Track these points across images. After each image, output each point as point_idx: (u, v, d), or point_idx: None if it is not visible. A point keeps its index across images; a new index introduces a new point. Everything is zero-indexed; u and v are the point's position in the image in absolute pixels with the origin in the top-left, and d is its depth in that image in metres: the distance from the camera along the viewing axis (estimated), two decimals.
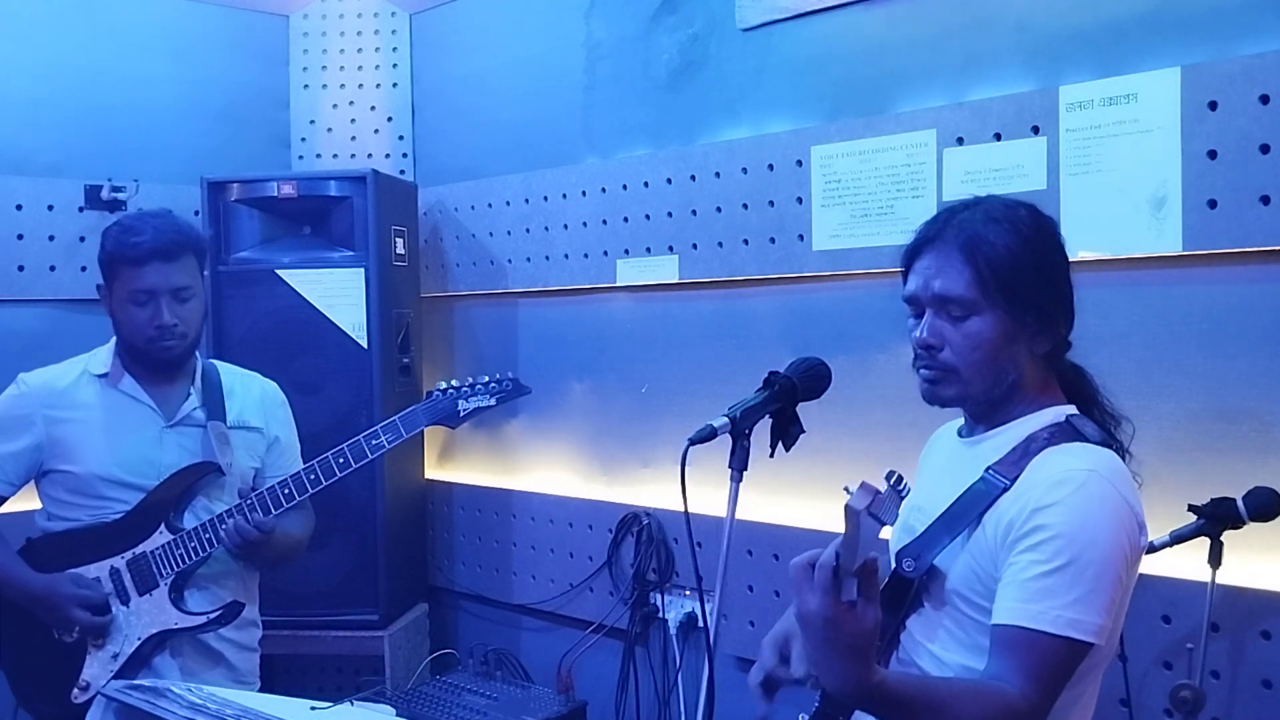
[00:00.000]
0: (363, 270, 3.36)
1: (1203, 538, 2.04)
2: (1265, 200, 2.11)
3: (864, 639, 1.38)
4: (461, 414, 2.47)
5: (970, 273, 1.57)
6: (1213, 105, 2.16)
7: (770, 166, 2.88)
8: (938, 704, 1.46)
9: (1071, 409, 1.64)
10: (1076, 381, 1.70)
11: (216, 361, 2.61)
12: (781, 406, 1.67)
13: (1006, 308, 1.57)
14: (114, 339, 2.45)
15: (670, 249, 3.12)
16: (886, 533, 1.52)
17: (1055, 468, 1.53)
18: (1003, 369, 1.60)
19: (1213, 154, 2.16)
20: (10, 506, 2.46)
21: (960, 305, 1.58)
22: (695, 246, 3.06)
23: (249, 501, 2.32)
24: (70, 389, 2.41)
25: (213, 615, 2.38)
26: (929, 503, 1.66)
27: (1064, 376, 1.69)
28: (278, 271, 3.36)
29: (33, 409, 2.39)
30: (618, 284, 3.27)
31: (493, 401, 2.49)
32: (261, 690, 2.53)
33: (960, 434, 1.74)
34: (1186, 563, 2.11)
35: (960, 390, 1.62)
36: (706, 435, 1.58)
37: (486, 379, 2.50)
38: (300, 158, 4.00)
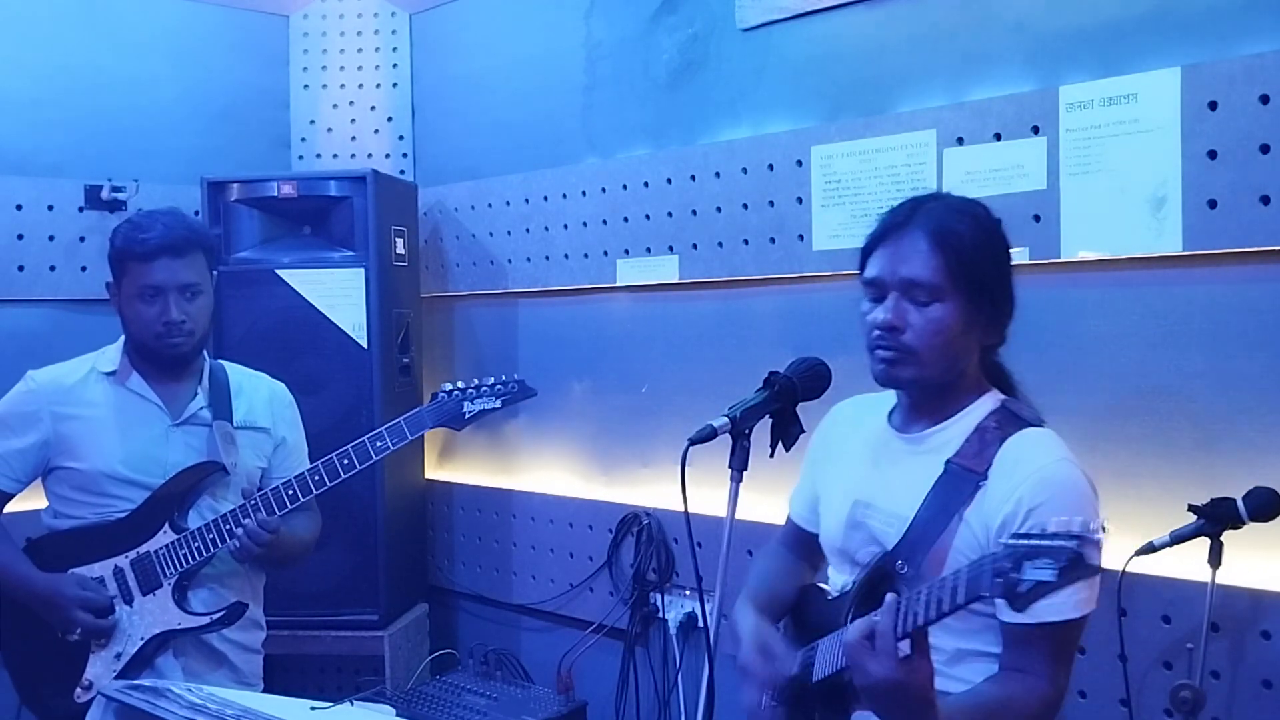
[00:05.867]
0: (363, 270, 3.36)
1: (1203, 538, 2.04)
2: (1265, 200, 2.11)
3: (928, 688, 1.45)
4: (466, 416, 2.45)
5: (939, 259, 1.62)
6: (1213, 105, 2.16)
7: (770, 166, 2.88)
8: (987, 714, 1.56)
9: (999, 394, 1.73)
10: (997, 375, 1.78)
11: (225, 362, 2.60)
12: (781, 406, 1.67)
13: (969, 296, 1.63)
14: (122, 337, 2.45)
15: (670, 249, 3.12)
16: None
17: (1033, 462, 1.60)
18: (957, 356, 1.67)
19: (1213, 154, 2.16)
20: (16, 505, 2.46)
21: (926, 290, 1.63)
22: (695, 246, 3.06)
23: (253, 502, 2.32)
24: (78, 386, 2.42)
25: (216, 616, 2.38)
26: (889, 503, 1.71)
27: (988, 371, 1.77)
28: (278, 271, 3.36)
29: (40, 406, 2.40)
30: (618, 284, 3.27)
31: (498, 404, 2.48)
32: (263, 691, 2.53)
33: (895, 426, 1.78)
34: (1186, 563, 2.11)
35: (917, 373, 1.67)
36: (706, 435, 1.59)
37: (492, 380, 2.49)
38: (300, 158, 4.00)
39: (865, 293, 1.71)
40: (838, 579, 1.85)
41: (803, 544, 1.99)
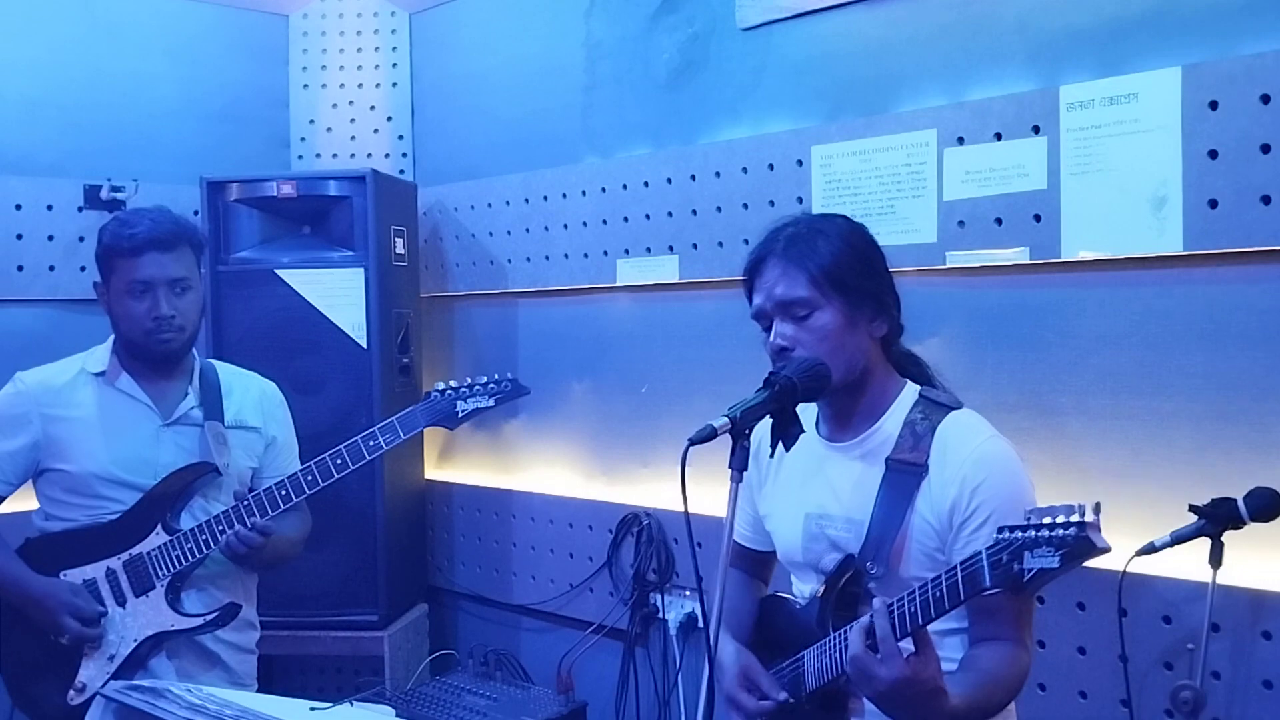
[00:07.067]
0: (362, 270, 3.36)
1: (1203, 538, 2.03)
2: (1265, 200, 2.11)
3: (938, 678, 1.52)
4: (460, 415, 2.45)
5: (805, 275, 1.75)
6: (1213, 105, 2.16)
7: (770, 166, 2.87)
8: (989, 690, 1.62)
9: (914, 385, 1.83)
10: (910, 364, 1.88)
11: (215, 361, 2.60)
12: (781, 406, 1.67)
13: (842, 298, 1.75)
14: (111, 337, 2.44)
15: (670, 249, 3.12)
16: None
17: (967, 445, 1.71)
18: (852, 355, 1.76)
19: (1213, 154, 2.16)
20: (8, 506, 2.46)
21: (802, 305, 1.75)
22: (695, 246, 3.06)
23: (245, 503, 2.31)
24: (67, 387, 2.41)
25: (209, 617, 2.37)
26: (841, 510, 1.79)
27: (900, 363, 1.86)
28: (277, 271, 3.36)
29: (29, 408, 2.39)
30: (618, 284, 3.26)
31: (491, 402, 2.48)
32: (260, 691, 2.52)
33: (826, 436, 1.86)
34: (1187, 563, 2.11)
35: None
36: (706, 435, 1.58)
37: (485, 379, 2.49)
38: (300, 158, 4.00)
39: (759, 325, 1.81)
40: (804, 588, 1.90)
41: (749, 560, 2.08)
